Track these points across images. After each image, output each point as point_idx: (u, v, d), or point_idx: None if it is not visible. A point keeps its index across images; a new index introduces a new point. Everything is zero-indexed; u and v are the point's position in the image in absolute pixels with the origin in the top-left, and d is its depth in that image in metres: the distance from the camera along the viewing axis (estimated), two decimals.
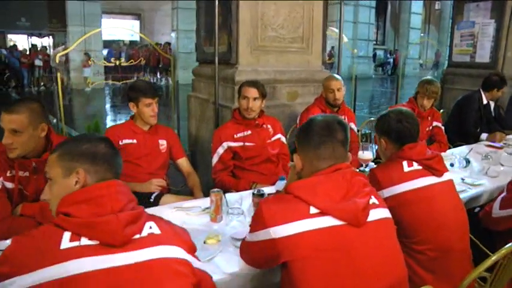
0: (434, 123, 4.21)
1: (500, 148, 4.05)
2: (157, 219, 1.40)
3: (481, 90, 4.80)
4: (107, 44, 20.20)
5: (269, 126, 3.42)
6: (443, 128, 4.25)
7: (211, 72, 4.28)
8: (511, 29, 6.60)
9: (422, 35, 29.54)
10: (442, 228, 1.94)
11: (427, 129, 4.13)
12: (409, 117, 2.15)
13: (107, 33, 20.58)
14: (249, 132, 3.29)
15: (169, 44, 21.07)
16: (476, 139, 4.49)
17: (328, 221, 1.45)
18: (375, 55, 27.64)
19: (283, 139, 3.55)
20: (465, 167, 3.33)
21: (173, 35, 20.97)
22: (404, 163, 2.06)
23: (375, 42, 28.29)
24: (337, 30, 7.40)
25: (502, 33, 6.59)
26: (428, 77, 4.08)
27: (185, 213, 2.40)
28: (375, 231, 1.51)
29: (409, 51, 25.92)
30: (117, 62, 9.73)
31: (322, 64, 4.73)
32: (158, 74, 21.52)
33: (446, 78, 7.28)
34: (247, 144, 3.27)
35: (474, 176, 3.09)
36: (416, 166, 2.04)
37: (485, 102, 4.79)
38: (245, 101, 3.22)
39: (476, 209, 2.75)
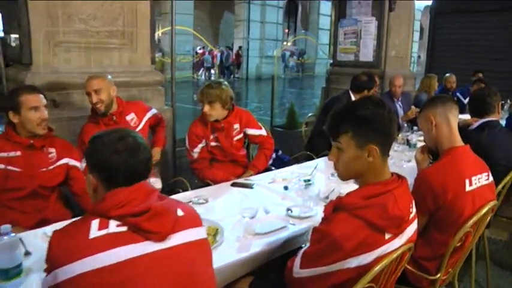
0: (249, 131, 3.50)
1: None
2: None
3: (350, 91, 4.27)
4: None
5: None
6: (265, 133, 3.55)
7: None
8: (392, 27, 6.29)
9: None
10: None
11: (234, 140, 3.41)
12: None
13: None
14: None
15: None
16: None
17: None
18: (284, 55, 27.51)
19: None
20: (305, 188, 2.70)
21: None
22: (94, 223, 1.27)
23: (286, 43, 28.25)
24: None
25: (382, 31, 6.25)
26: (213, 80, 3.37)
27: None
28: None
29: (318, 51, 26.12)
30: None
31: (153, 64, 3.97)
32: None
33: (330, 78, 6.90)
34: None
35: (307, 205, 2.42)
36: (114, 228, 1.27)
37: None
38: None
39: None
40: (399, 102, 5.25)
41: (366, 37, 6.52)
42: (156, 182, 2.37)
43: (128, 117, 3.15)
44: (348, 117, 1.55)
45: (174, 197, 2.47)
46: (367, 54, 6.53)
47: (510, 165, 2.83)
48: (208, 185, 3.06)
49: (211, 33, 29.04)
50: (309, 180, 2.81)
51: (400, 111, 5.26)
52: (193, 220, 1.42)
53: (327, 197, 2.55)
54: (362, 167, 1.56)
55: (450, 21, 9.33)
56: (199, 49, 24.76)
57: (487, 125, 2.90)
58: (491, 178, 2.20)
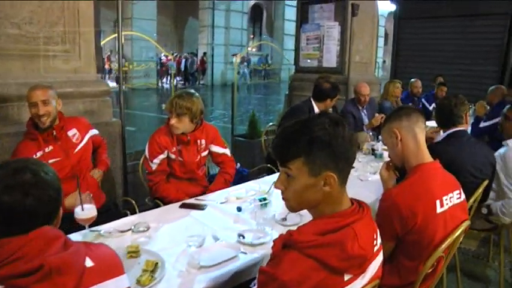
0: (214, 148, 3.23)
1: None
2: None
3: (311, 99, 4.04)
4: None
5: None
6: (228, 153, 3.33)
7: None
8: (355, 32, 6.14)
9: None
10: None
11: (199, 156, 3.17)
12: None
13: None
14: None
15: None
16: None
17: None
18: (249, 61, 27.29)
19: None
20: (261, 208, 2.47)
21: None
22: None
23: (250, 49, 28.08)
24: None
25: (346, 36, 6.09)
26: (186, 90, 3.11)
27: None
28: None
29: (284, 57, 26.01)
30: None
31: (100, 72, 3.62)
32: None
33: (293, 84, 6.69)
34: None
35: (261, 229, 2.14)
36: None
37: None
38: None
39: None
40: (364, 110, 5.09)
41: (328, 42, 6.35)
42: (90, 209, 2.07)
43: (70, 133, 2.84)
44: (300, 139, 1.28)
45: (117, 222, 2.23)
46: (330, 59, 6.36)
47: (481, 176, 2.67)
48: (157, 206, 2.79)
49: (176, 39, 28.63)
50: (265, 199, 2.55)
51: (365, 119, 5.11)
52: (108, 270, 1.17)
53: (284, 219, 2.31)
54: (316, 197, 1.30)
55: (414, 26, 9.33)
56: (163, 55, 24.32)
57: (453, 136, 2.72)
58: (463, 196, 1.99)
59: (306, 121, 1.32)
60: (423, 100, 6.97)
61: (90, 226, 2.10)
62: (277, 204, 2.55)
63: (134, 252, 1.89)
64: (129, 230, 2.14)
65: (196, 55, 24.59)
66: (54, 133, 2.73)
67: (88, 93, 3.50)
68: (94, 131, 3.08)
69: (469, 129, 5.34)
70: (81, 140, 2.90)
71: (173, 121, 2.90)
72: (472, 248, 3.84)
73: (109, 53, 21.67)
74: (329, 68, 6.35)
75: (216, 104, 17.38)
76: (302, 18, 6.69)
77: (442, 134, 2.83)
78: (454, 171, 2.06)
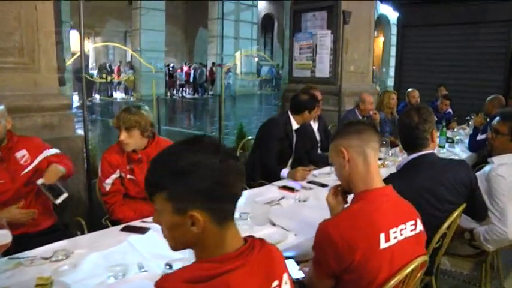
0: None
1: (297, 191, 3.06)
2: None
3: (289, 112, 3.82)
4: None
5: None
6: None
7: None
8: (349, 40, 5.91)
9: None
10: None
11: None
12: None
13: None
14: None
15: None
16: (278, 176, 3.47)
17: None
18: (259, 71, 27.13)
19: None
20: None
21: None
22: None
23: (263, 58, 27.95)
24: None
25: (338, 45, 5.85)
26: (134, 104, 2.93)
27: None
28: None
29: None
30: None
31: (63, 85, 3.45)
32: None
33: (286, 95, 6.45)
34: None
35: (192, 259, 1.92)
36: None
37: (295, 127, 3.80)
38: None
39: None
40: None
41: (321, 51, 6.12)
42: (5, 236, 1.87)
43: (18, 154, 2.65)
44: (165, 169, 1.06)
45: (45, 247, 2.04)
46: (323, 69, 6.12)
47: (458, 202, 2.35)
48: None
49: (186, 49, 28.68)
50: None
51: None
52: None
53: None
54: (187, 239, 1.09)
55: (417, 34, 9.05)
56: (173, 66, 24.34)
57: (415, 164, 2.31)
58: (419, 227, 1.71)
59: (177, 148, 1.10)
60: None
61: (7, 254, 1.91)
62: None
63: (43, 286, 1.68)
64: (48, 258, 1.94)
65: (205, 66, 24.49)
66: (0, 154, 2.55)
67: (48, 107, 3.34)
68: (50, 151, 2.85)
69: (466, 140, 5.09)
70: (30, 162, 2.69)
71: (122, 137, 2.73)
72: (464, 272, 3.55)
73: (119, 64, 21.77)
74: (322, 78, 6.11)
75: (226, 115, 17.21)
76: (295, 27, 6.48)
77: (403, 160, 2.48)
78: (417, 204, 1.79)
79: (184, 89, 24.28)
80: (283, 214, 2.63)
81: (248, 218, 2.43)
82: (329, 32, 6.02)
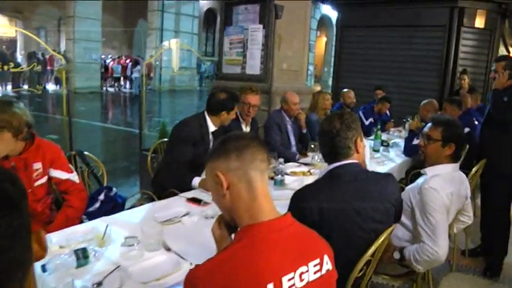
0: (54, 173, 2.64)
1: (205, 204, 2.64)
2: None
3: (205, 113, 3.38)
4: None
5: None
6: (76, 179, 2.72)
7: None
8: (283, 37, 5.56)
9: None
10: None
11: (35, 184, 2.59)
12: None
13: None
14: None
15: None
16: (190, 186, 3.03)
17: None
18: (199, 65, 26.45)
19: None
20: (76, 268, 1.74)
21: None
22: None
23: (204, 54, 27.32)
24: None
25: (270, 40, 5.48)
26: (3, 99, 2.46)
27: None
28: None
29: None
30: None
31: None
32: None
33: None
34: None
35: None
36: None
37: (212, 129, 3.37)
38: None
39: None
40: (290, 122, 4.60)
41: (252, 47, 5.73)
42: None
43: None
44: None
45: None
46: (254, 66, 5.73)
47: (385, 221, 2.01)
48: None
49: (125, 41, 27.52)
50: (84, 252, 1.84)
51: (292, 136, 4.66)
52: None
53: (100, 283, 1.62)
54: None
55: (356, 35, 8.88)
56: (110, 58, 23.22)
57: (334, 176, 1.97)
58: (326, 266, 1.31)
59: None
60: (360, 113, 6.45)
61: None
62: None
63: None
64: None
65: (143, 58, 23.53)
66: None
67: None
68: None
69: (402, 144, 4.89)
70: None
71: None
72: (396, 284, 3.27)
73: (51, 54, 20.46)
74: (252, 75, 5.73)
75: (164, 110, 16.55)
76: (226, 21, 6.05)
77: (322, 170, 2.15)
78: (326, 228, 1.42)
79: (120, 82, 23.24)
80: (182, 235, 2.19)
81: (135, 244, 1.96)
82: (261, 26, 5.63)
